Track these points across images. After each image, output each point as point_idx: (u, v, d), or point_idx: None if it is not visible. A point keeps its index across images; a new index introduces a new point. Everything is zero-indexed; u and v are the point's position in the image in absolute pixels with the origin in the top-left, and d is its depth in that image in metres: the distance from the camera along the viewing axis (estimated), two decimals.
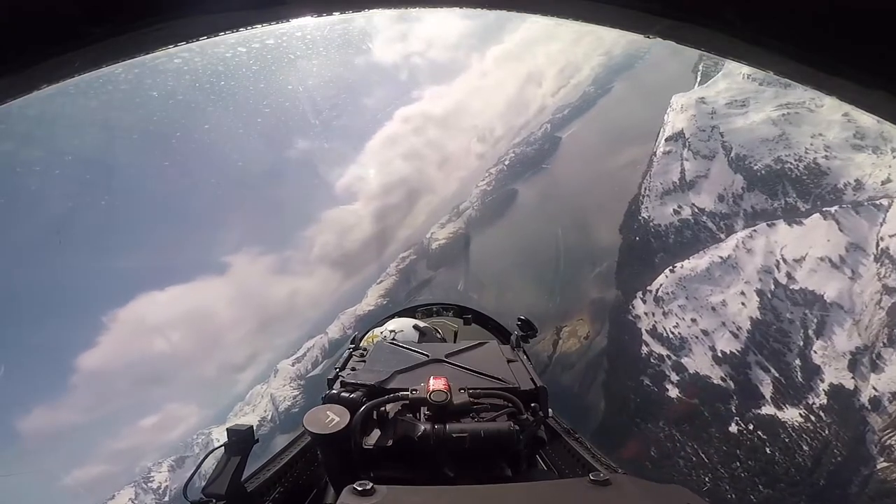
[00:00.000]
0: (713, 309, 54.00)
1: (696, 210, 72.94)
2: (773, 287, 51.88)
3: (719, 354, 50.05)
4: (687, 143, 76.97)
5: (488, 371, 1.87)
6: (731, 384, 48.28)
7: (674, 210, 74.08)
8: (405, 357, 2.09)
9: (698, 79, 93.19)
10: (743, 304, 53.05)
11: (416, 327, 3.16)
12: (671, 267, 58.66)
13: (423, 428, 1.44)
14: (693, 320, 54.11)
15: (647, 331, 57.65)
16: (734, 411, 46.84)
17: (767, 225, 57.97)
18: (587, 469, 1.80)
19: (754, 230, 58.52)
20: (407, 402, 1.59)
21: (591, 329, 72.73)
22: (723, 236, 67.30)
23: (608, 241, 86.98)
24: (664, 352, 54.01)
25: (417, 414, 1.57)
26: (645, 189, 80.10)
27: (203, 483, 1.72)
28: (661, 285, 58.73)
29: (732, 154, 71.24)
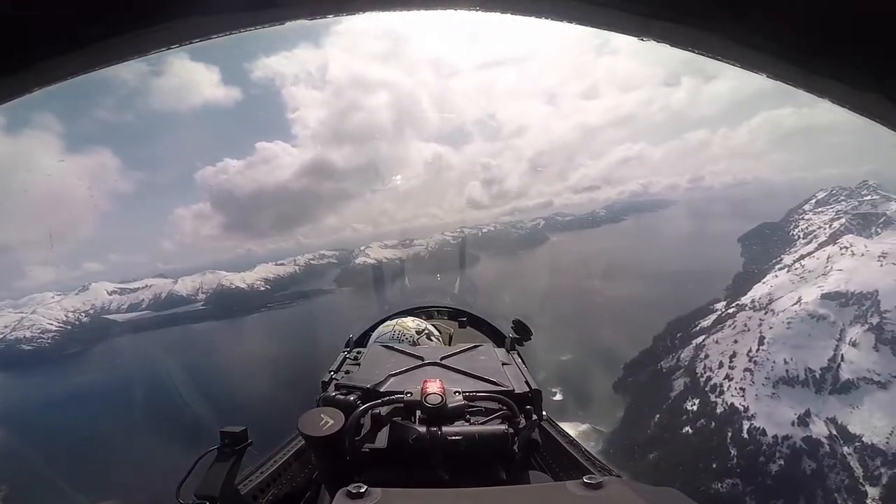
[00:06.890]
0: None
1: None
2: None
3: None
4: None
5: (483, 374, 1.89)
6: None
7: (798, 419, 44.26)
8: (400, 359, 2.11)
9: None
10: None
11: (410, 329, 3.08)
12: None
13: (417, 431, 1.47)
14: None
15: None
16: None
17: None
18: (581, 472, 1.83)
19: None
20: (402, 404, 1.61)
21: None
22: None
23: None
24: None
25: (412, 417, 1.59)
26: (710, 362, 53.44)
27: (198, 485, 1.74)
28: None
29: None
